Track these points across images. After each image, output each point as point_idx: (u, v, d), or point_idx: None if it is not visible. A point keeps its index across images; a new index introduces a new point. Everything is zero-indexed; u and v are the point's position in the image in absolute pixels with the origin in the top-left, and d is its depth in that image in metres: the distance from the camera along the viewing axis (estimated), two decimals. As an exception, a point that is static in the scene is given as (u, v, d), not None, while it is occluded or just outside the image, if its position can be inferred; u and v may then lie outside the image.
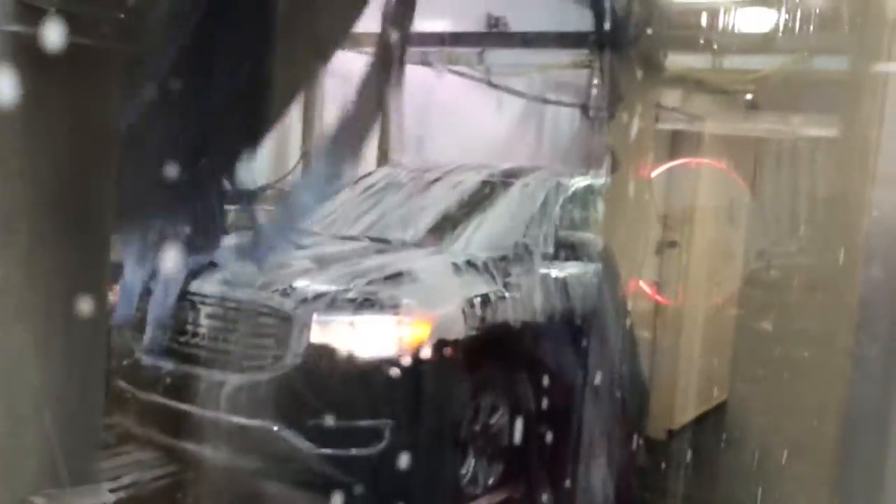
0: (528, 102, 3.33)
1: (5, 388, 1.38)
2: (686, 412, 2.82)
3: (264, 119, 1.76)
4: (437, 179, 2.51)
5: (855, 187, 1.57)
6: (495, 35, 3.19)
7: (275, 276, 1.94)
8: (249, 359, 1.90)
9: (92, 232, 1.41)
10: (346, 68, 1.99)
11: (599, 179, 2.33)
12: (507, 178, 2.47)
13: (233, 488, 1.81)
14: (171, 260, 1.83)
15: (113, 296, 1.89)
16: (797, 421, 1.91)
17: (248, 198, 2.24)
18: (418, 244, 2.22)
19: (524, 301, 2.08)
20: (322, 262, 2.06)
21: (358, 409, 1.83)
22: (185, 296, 1.97)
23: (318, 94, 2.93)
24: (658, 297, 2.84)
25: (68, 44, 1.13)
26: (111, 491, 1.50)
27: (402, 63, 2.15)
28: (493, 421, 2.05)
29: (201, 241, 1.91)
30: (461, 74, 3.12)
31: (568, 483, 1.93)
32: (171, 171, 1.46)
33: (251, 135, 1.74)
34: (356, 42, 2.30)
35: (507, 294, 2.03)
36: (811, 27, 2.33)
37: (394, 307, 1.86)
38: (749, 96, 2.99)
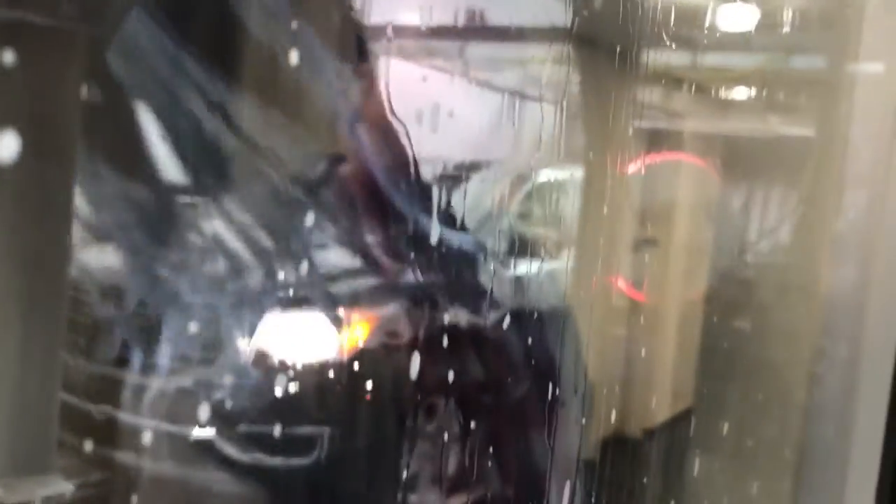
0: (504, 96, 3.32)
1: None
2: (663, 410, 2.83)
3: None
4: None
5: (827, 187, 1.57)
6: (473, 29, 3.17)
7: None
8: (172, 360, 1.81)
9: (54, 217, 1.39)
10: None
11: (565, 174, 2.33)
12: (462, 172, 2.42)
13: (157, 498, 1.75)
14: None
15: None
16: (765, 419, 1.92)
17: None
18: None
19: (474, 300, 2.03)
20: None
21: (291, 415, 1.69)
22: None
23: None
24: (635, 295, 2.85)
25: (29, 24, 1.11)
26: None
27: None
28: (440, 425, 1.99)
29: None
30: (437, 68, 3.11)
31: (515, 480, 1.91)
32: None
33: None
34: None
35: (456, 293, 1.96)
36: (789, 26, 2.33)
37: (331, 306, 1.77)
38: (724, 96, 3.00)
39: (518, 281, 2.13)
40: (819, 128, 1.93)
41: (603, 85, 2.14)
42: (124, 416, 1.71)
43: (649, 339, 2.75)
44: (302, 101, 1.57)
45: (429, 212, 2.01)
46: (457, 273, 1.93)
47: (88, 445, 1.67)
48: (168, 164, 1.64)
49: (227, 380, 1.68)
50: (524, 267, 2.18)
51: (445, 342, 1.88)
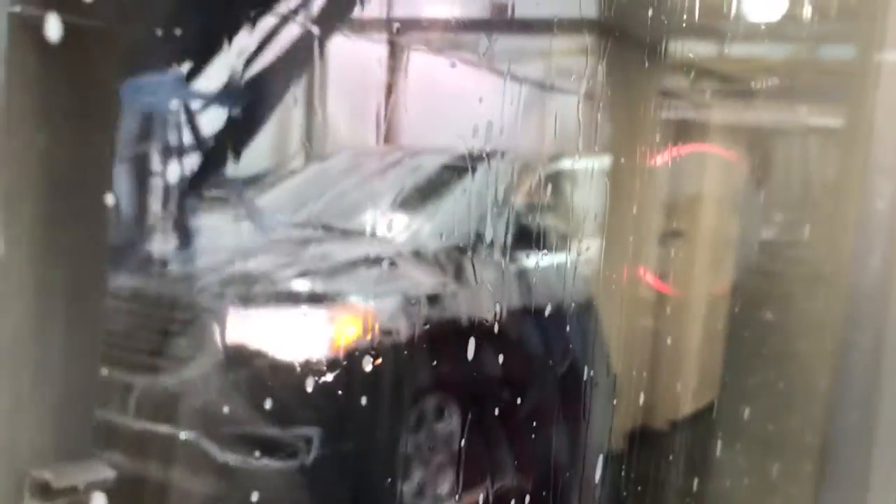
0: (531, 87, 3.30)
1: (6, 365, 1.40)
2: (689, 402, 2.83)
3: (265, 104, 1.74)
4: (396, 163, 2.44)
5: (852, 177, 1.57)
6: (497, 21, 3.17)
7: (195, 266, 1.81)
8: (159, 358, 1.76)
9: (91, 213, 1.43)
10: (348, 53, 1.98)
11: (593, 165, 2.32)
12: (469, 161, 2.36)
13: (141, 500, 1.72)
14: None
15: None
16: (789, 408, 1.92)
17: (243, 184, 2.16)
18: (361, 233, 2.13)
19: (478, 295, 2.00)
20: (250, 252, 1.94)
21: (280, 416, 1.68)
22: None
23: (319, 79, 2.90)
24: (662, 287, 2.85)
25: (69, 25, 1.15)
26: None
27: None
28: (440, 426, 1.95)
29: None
30: (461, 60, 3.10)
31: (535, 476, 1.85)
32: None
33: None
34: (359, 27, 2.29)
35: (458, 288, 1.97)
36: (815, 16, 2.32)
37: (323, 301, 1.79)
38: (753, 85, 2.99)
39: (544, 272, 2.12)
40: (845, 117, 1.92)
41: (631, 76, 2.14)
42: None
43: (675, 330, 2.75)
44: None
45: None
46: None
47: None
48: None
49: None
50: (550, 258, 2.17)
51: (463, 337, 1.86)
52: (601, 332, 2.14)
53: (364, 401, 1.67)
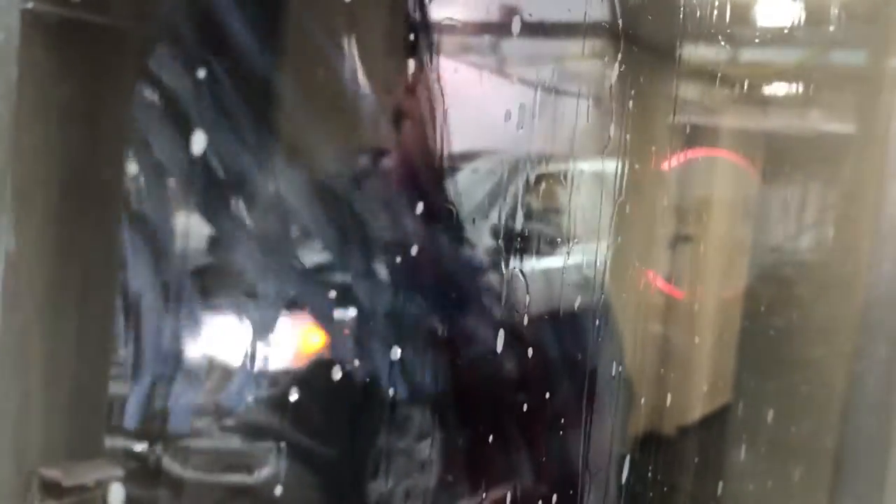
0: (542, 91, 3.31)
1: (16, 362, 1.41)
2: (699, 407, 2.82)
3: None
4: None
5: (867, 183, 1.56)
6: (514, 24, 3.18)
7: None
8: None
9: (104, 210, 1.43)
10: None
11: (604, 169, 2.31)
12: (456, 162, 2.32)
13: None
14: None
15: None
16: (804, 417, 1.91)
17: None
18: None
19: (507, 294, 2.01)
20: None
21: (235, 428, 1.54)
22: None
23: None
24: (672, 292, 2.84)
25: (83, 22, 1.15)
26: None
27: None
28: (416, 437, 1.87)
29: None
30: (473, 64, 3.11)
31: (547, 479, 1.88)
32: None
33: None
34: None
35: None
36: (829, 21, 2.31)
37: (289, 306, 1.67)
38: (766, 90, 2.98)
39: (555, 276, 2.12)
40: (859, 123, 1.92)
41: (644, 81, 2.14)
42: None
43: (686, 334, 2.74)
44: (345, 94, 1.59)
45: (468, 205, 2.02)
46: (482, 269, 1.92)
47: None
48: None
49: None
50: (561, 262, 2.17)
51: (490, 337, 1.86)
52: (618, 334, 2.14)
53: (325, 411, 1.63)
